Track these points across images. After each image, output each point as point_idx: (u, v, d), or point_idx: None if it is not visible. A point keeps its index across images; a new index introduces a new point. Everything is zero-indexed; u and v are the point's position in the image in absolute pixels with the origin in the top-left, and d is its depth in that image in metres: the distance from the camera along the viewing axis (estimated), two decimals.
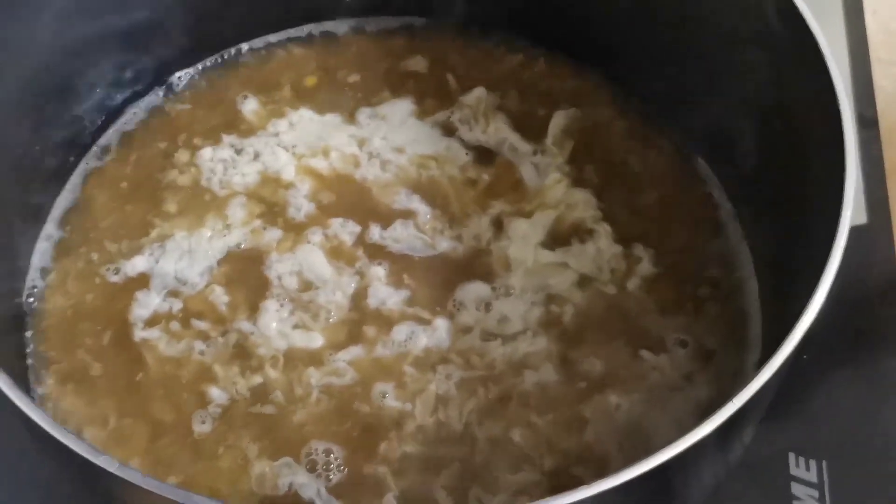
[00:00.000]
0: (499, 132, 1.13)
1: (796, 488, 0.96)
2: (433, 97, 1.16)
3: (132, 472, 0.65)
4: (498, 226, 1.06)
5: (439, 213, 1.07)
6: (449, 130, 1.14)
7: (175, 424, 0.95)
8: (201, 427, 0.94)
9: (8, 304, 1.00)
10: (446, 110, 1.15)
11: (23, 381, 0.96)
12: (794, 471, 0.97)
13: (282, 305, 1.00)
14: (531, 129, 1.13)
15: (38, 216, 1.06)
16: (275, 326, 0.99)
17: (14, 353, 0.97)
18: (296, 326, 0.99)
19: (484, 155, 1.12)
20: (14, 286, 1.01)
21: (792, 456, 0.98)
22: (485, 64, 1.19)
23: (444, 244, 1.05)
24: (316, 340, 0.99)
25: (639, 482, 0.67)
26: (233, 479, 0.91)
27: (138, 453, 0.93)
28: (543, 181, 1.09)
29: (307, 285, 1.02)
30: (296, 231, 1.06)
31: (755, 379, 0.71)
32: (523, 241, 1.04)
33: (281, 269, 1.03)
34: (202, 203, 1.08)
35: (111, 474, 0.66)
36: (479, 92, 1.15)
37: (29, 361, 0.98)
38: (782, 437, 0.98)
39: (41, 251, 1.05)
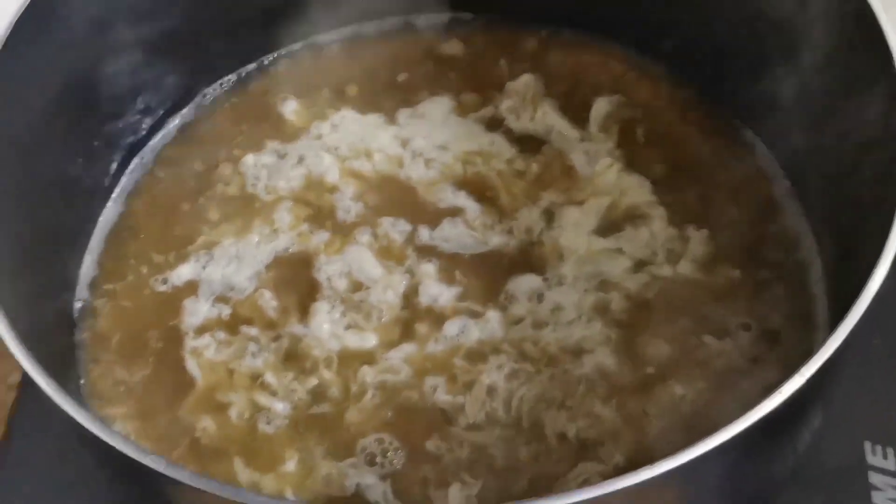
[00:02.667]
0: (546, 118, 1.11)
1: (874, 477, 0.94)
2: (475, 91, 1.15)
3: (181, 471, 0.64)
4: (549, 216, 1.04)
5: (487, 207, 1.05)
6: (492, 125, 1.12)
7: (235, 432, 0.94)
8: (265, 434, 0.93)
9: (57, 318, 1.00)
10: (490, 104, 1.13)
11: (74, 393, 0.94)
12: (870, 459, 0.95)
13: (333, 307, 0.99)
14: (578, 115, 1.11)
15: (84, 229, 1.07)
16: (327, 328, 0.98)
17: (64, 365, 0.97)
18: (348, 327, 0.98)
19: (531, 144, 1.10)
20: (63, 299, 1.02)
21: (868, 444, 0.95)
22: (529, 53, 1.18)
23: (496, 239, 1.03)
24: (369, 340, 0.97)
25: (699, 465, 0.65)
26: (299, 481, 0.90)
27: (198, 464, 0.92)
28: (594, 167, 1.07)
29: (357, 286, 1.01)
30: (343, 232, 1.05)
31: (821, 350, 0.69)
32: (575, 229, 1.02)
33: (330, 270, 1.02)
34: (249, 209, 1.07)
35: (161, 475, 0.65)
36: (526, 78, 1.14)
37: (79, 374, 0.98)
38: (856, 425, 0.96)
39: (88, 264, 1.06)
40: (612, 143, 1.09)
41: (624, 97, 1.12)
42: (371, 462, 0.90)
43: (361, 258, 1.02)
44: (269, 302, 1.00)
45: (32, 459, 0.99)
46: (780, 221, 1.03)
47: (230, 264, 1.03)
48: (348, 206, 1.07)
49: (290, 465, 0.91)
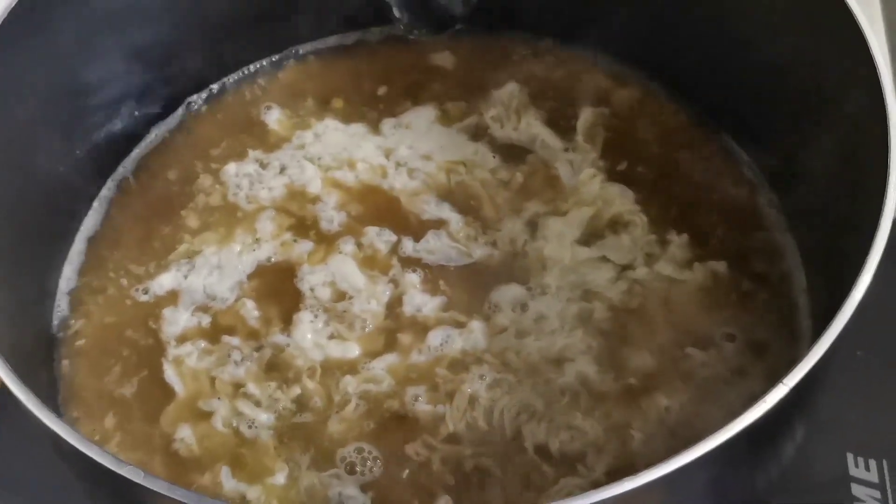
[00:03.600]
0: (531, 128, 1.11)
1: (856, 489, 0.94)
2: (460, 100, 1.15)
3: (158, 482, 0.64)
4: (533, 227, 1.04)
5: (471, 219, 1.05)
6: (476, 135, 1.13)
7: (219, 440, 0.93)
8: (249, 442, 0.92)
9: (36, 328, 1.00)
10: (474, 113, 1.14)
11: (52, 404, 0.94)
12: (853, 471, 0.95)
13: (316, 317, 0.99)
14: (562, 125, 1.11)
15: (64, 239, 1.06)
16: (310, 338, 0.98)
17: (43, 376, 0.97)
18: (331, 337, 0.98)
19: (515, 154, 1.10)
20: (42, 310, 1.01)
21: (850, 456, 0.96)
22: (515, 63, 1.18)
23: (480, 251, 1.03)
24: (352, 350, 0.97)
25: (681, 476, 0.65)
26: (283, 492, 0.90)
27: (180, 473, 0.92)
28: (578, 177, 1.07)
29: (341, 295, 1.00)
30: (327, 242, 1.04)
31: (804, 360, 0.68)
32: (559, 239, 1.02)
33: (313, 280, 1.01)
34: (230, 218, 1.07)
35: (139, 486, 0.65)
36: (511, 87, 1.14)
37: (58, 385, 0.98)
38: (840, 437, 0.96)
39: (69, 274, 1.05)
40: (597, 153, 1.09)
41: (609, 107, 1.13)
42: (351, 471, 0.90)
43: (345, 268, 1.02)
44: (251, 311, 1.00)
45: (11, 471, 0.98)
46: (763, 232, 1.04)
47: (212, 274, 1.03)
48: (331, 215, 1.06)
49: (280, 478, 0.90)
